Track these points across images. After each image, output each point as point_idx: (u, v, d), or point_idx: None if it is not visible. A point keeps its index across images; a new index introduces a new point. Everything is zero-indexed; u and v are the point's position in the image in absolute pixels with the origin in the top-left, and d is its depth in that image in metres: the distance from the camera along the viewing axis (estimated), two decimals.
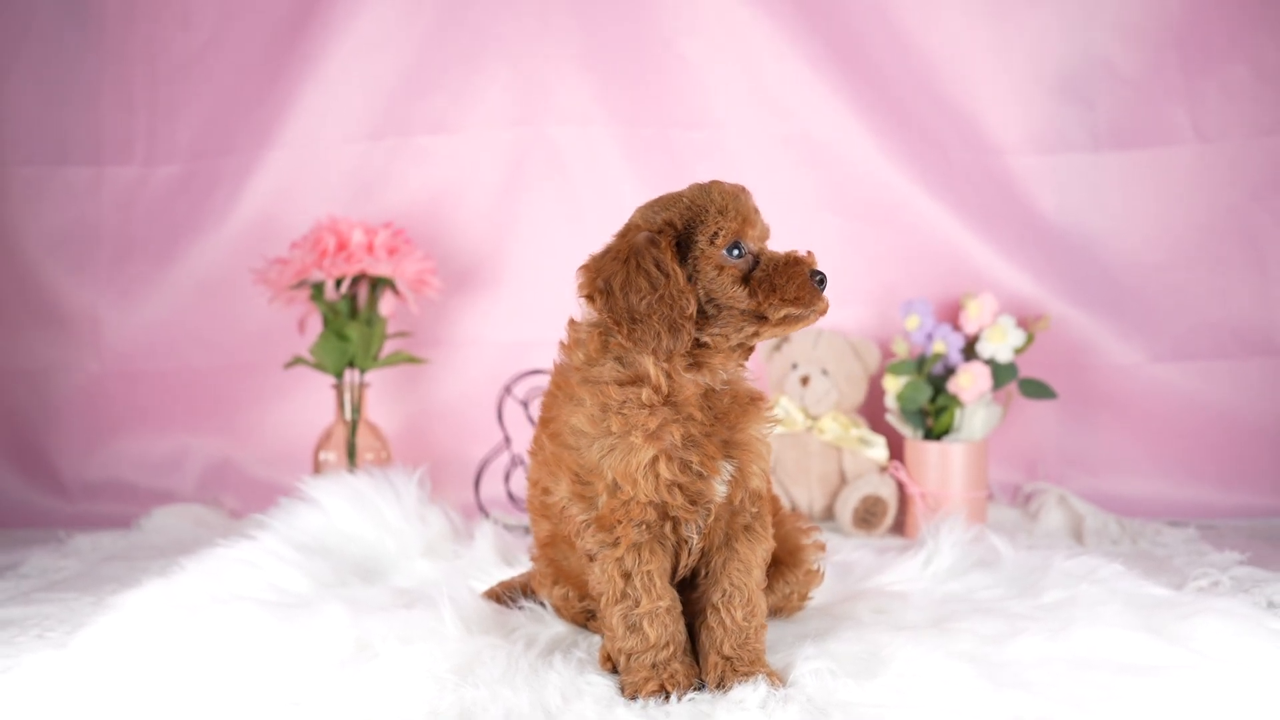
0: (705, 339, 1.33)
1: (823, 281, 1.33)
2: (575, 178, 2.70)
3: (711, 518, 1.36)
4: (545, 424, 1.41)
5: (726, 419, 1.35)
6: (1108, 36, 2.61)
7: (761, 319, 1.32)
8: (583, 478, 1.34)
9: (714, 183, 1.37)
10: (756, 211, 1.36)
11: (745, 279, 1.32)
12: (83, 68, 2.70)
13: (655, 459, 1.30)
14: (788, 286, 1.31)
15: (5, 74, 2.70)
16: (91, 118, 2.72)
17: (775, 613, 1.57)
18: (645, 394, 1.31)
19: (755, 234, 1.35)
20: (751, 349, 1.40)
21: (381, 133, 2.70)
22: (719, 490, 1.34)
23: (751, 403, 1.39)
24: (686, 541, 1.37)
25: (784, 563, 1.54)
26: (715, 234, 1.32)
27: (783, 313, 1.31)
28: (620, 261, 1.30)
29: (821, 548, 1.63)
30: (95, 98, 2.72)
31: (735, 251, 1.32)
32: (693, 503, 1.34)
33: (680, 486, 1.32)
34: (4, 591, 1.96)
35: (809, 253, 1.36)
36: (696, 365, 1.33)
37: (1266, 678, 1.29)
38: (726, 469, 1.35)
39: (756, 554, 1.39)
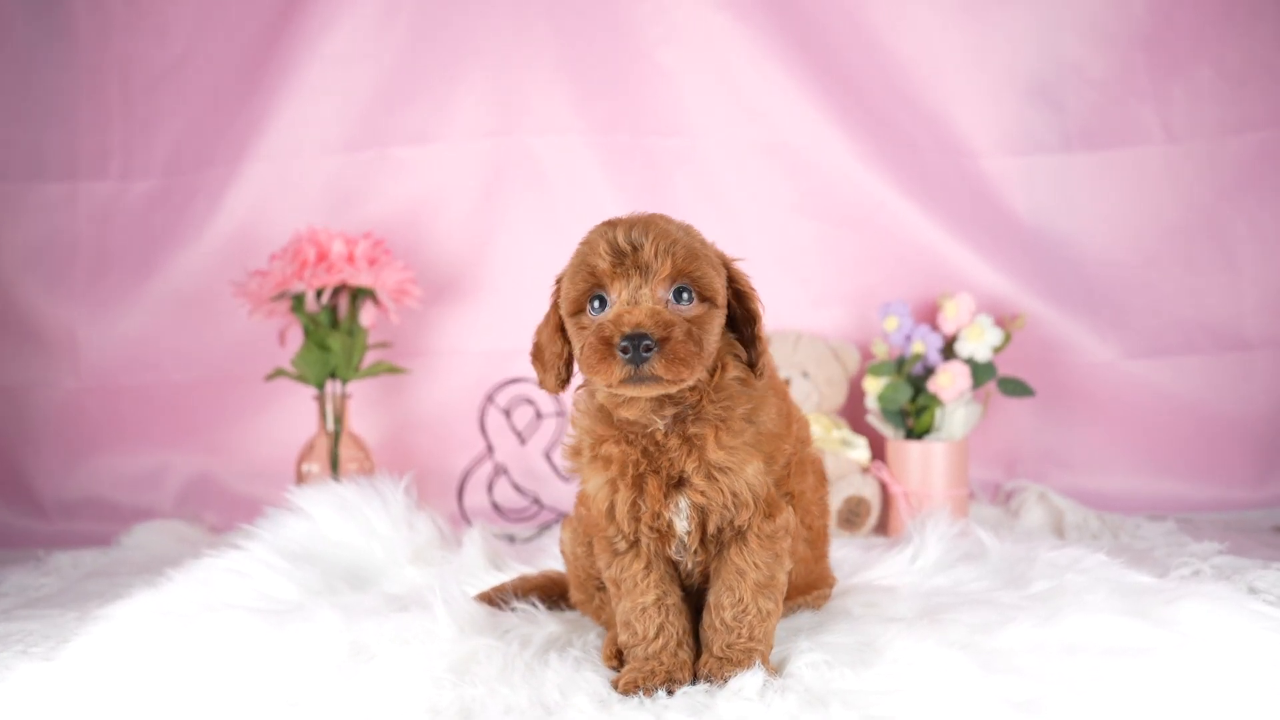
0: (594, 386, 1.35)
1: (628, 349, 1.21)
2: (553, 186, 2.71)
3: (694, 547, 1.37)
4: None
5: (687, 454, 1.32)
6: (1076, 40, 2.66)
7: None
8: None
9: (591, 234, 1.30)
10: (618, 258, 1.26)
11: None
12: (58, 82, 2.69)
13: (607, 485, 1.35)
14: (587, 356, 1.25)
15: None
16: (67, 132, 2.70)
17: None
18: (586, 423, 1.37)
19: (621, 282, 1.27)
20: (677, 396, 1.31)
21: (359, 144, 2.70)
22: (679, 525, 1.35)
23: (719, 427, 1.32)
24: (681, 561, 1.40)
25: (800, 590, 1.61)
26: (567, 299, 1.31)
27: (596, 382, 1.28)
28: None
29: (831, 584, 1.69)
30: (71, 112, 2.70)
31: (596, 305, 1.30)
32: (659, 532, 1.36)
33: (637, 518, 1.35)
34: None
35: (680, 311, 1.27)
36: (627, 404, 1.32)
37: (1251, 656, 1.31)
38: (683, 507, 1.34)
39: (748, 559, 1.36)
